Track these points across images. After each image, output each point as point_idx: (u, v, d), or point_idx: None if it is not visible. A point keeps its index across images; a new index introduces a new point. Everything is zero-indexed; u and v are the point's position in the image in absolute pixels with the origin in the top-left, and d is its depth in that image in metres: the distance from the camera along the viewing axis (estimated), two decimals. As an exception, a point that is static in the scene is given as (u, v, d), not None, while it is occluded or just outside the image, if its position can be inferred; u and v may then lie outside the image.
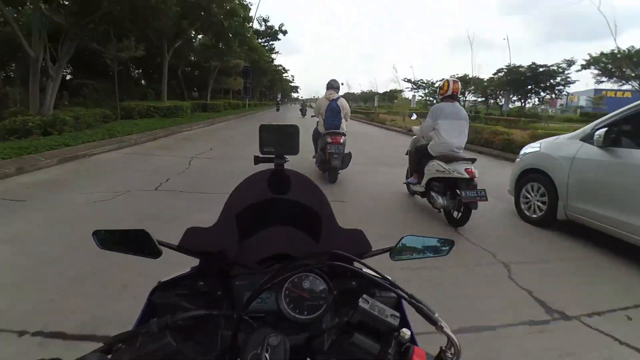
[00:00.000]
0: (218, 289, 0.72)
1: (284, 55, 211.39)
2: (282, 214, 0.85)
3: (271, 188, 0.85)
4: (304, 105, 32.12)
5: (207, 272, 0.75)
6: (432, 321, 0.52)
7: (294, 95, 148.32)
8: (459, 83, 4.19)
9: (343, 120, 5.84)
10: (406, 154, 5.04)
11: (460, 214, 3.76)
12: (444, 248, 0.83)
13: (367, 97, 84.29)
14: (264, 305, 0.70)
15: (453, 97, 4.16)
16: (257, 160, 0.86)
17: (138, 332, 0.49)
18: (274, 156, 0.83)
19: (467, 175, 3.60)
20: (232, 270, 0.75)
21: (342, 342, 0.51)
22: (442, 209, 4.05)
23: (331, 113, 5.74)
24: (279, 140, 0.81)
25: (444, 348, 0.49)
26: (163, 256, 0.73)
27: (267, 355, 0.51)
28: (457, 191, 3.59)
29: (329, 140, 5.47)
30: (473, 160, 3.82)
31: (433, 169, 3.99)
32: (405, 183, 4.94)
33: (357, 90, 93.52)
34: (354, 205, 4.60)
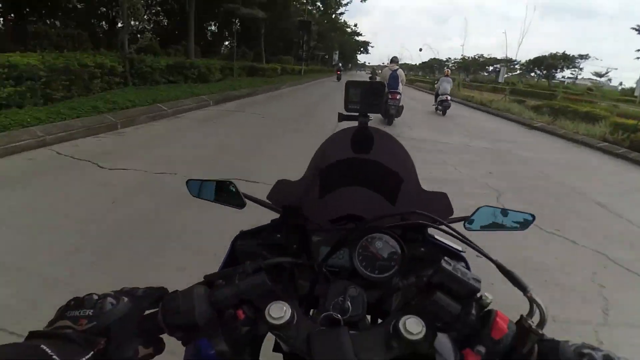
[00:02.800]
0: (294, 242, 0.76)
1: (352, 17, 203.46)
2: (361, 173, 0.85)
3: (354, 147, 0.84)
4: (374, 72, 29.51)
5: (285, 225, 0.78)
6: (522, 287, 0.49)
7: (361, 59, 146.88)
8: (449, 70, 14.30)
9: (400, 84, 8.70)
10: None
11: (441, 111, 11.77)
12: (524, 222, 0.79)
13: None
14: (338, 261, 0.74)
15: (447, 76, 12.62)
16: (341, 117, 0.86)
17: (236, 270, 0.53)
18: (357, 114, 0.81)
19: (446, 97, 11.62)
20: (308, 225, 0.78)
21: (421, 300, 0.50)
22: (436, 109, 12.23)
23: (392, 79, 8.63)
24: (364, 97, 0.79)
25: (525, 315, 0.46)
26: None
27: (349, 303, 0.55)
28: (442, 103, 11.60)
29: (389, 97, 8.39)
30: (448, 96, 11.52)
31: (438, 98, 12.13)
32: (433, 105, 12.86)
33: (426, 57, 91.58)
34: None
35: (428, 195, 0.82)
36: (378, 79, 12.97)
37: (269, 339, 0.58)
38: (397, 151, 0.85)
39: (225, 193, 0.82)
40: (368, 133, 0.82)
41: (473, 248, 0.59)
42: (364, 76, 35.84)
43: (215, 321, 0.49)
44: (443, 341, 0.55)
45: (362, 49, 77.83)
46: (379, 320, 0.73)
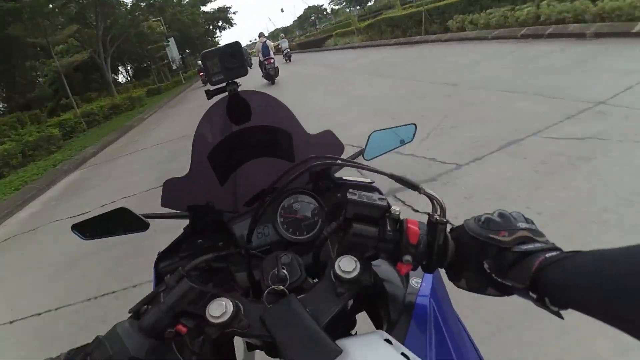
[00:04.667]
0: (218, 240, 0.73)
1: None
2: (251, 144, 0.82)
3: (232, 119, 0.79)
4: (246, 52, 30.69)
5: (201, 228, 0.74)
6: (415, 187, 0.53)
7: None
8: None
9: (271, 51, 11.27)
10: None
11: (270, 77, 11.55)
12: (409, 134, 0.84)
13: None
14: (266, 239, 0.73)
15: (263, 37, 12.11)
16: (210, 94, 0.79)
17: (157, 290, 0.50)
18: (225, 84, 0.75)
19: (267, 60, 11.19)
20: (225, 218, 0.75)
21: (345, 238, 0.52)
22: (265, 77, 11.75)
23: (264, 49, 11.24)
24: (225, 64, 0.73)
25: (430, 212, 0.50)
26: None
27: (284, 271, 0.55)
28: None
29: (266, 62, 11.19)
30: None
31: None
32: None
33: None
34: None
35: (315, 138, 0.82)
36: (254, 59, 14.83)
37: (240, 341, 0.56)
38: (275, 108, 0.82)
39: (122, 221, 0.74)
40: (241, 100, 0.78)
41: (366, 169, 0.61)
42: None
43: (157, 348, 0.45)
44: (384, 270, 0.58)
45: (220, 23, 51.10)
46: None
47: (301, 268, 0.57)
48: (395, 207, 0.51)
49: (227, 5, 54.38)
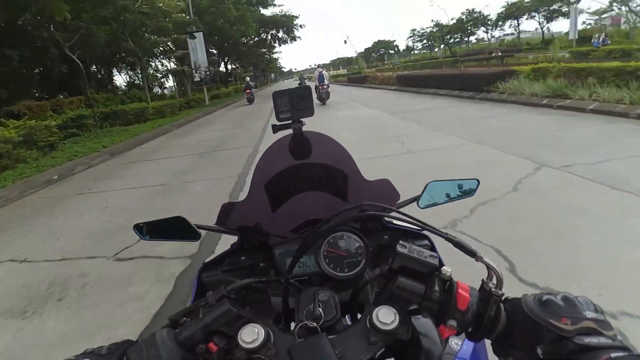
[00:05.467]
0: (260, 261, 0.76)
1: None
2: (308, 178, 0.85)
3: (293, 154, 0.84)
4: (302, 77, 28.39)
5: (247, 246, 0.79)
6: (471, 253, 0.53)
7: (286, 64, 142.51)
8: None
9: (325, 79, 14.80)
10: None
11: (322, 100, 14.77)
12: (470, 187, 0.86)
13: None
14: (306, 269, 0.75)
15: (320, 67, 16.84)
16: (276, 128, 0.84)
17: (198, 304, 0.52)
18: (291, 122, 0.81)
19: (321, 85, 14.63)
20: (269, 241, 0.78)
21: (387, 288, 0.51)
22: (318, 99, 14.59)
23: (320, 77, 14.78)
24: (293, 104, 0.79)
25: (485, 280, 0.49)
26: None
27: (320, 309, 0.54)
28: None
29: (320, 87, 14.41)
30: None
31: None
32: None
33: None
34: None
35: (372, 184, 0.85)
36: (307, 82, 19.29)
37: None
38: (335, 149, 0.86)
39: (177, 229, 0.79)
40: (304, 138, 0.83)
41: (419, 226, 0.61)
42: (292, 83, 34.02)
43: None
44: (424, 323, 0.56)
45: (281, 34, 39.84)
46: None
47: (337, 308, 0.56)
48: (447, 268, 0.49)
49: (294, 13, 40.04)
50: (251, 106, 19.18)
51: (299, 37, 40.59)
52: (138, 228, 0.81)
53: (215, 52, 33.13)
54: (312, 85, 14.63)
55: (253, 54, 41.33)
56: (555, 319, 0.40)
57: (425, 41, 56.09)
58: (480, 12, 44.49)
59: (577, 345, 0.38)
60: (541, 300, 0.43)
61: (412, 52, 64.83)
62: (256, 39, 38.92)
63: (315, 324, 0.52)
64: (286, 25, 38.44)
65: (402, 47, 77.85)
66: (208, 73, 22.82)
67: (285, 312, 0.67)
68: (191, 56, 21.18)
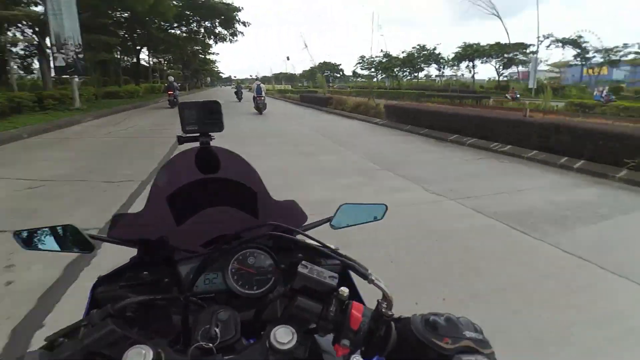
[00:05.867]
0: (164, 276, 0.71)
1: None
2: (216, 193, 0.84)
3: (200, 168, 0.82)
4: (239, 86, 25.99)
5: (148, 260, 0.73)
6: (364, 276, 0.56)
7: (224, 74, 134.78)
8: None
9: (263, 92, 15.65)
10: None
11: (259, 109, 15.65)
12: (379, 212, 0.90)
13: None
14: (212, 286, 0.72)
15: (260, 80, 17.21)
16: (181, 140, 0.80)
17: (79, 324, 0.48)
18: (198, 134, 0.79)
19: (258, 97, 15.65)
20: (175, 255, 0.74)
21: (288, 308, 0.53)
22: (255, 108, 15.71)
23: (258, 89, 15.57)
24: (201, 117, 0.78)
25: (380, 300, 0.52)
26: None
27: (216, 330, 0.53)
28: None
29: (257, 99, 15.50)
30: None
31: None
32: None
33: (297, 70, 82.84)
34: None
35: (280, 204, 0.87)
36: (246, 94, 21.57)
37: None
38: (244, 167, 0.86)
39: (67, 238, 0.71)
40: (212, 153, 0.81)
41: (316, 247, 0.65)
42: (230, 92, 29.50)
43: None
44: (325, 343, 0.57)
45: (218, 29, 31.26)
46: None
47: (237, 327, 0.55)
48: (344, 288, 0.51)
49: (239, 4, 33.33)
50: (164, 116, 14.45)
51: (241, 33, 30.66)
52: (20, 235, 0.70)
53: (126, 37, 26.17)
54: (247, 95, 19.75)
55: (182, 50, 33.81)
56: (438, 339, 0.44)
57: (372, 70, 53.94)
58: (433, 49, 43.38)
59: None
60: (427, 320, 0.46)
61: (358, 78, 62.72)
62: (184, 29, 30.91)
63: (210, 345, 0.51)
64: (224, 15, 28.43)
65: (347, 72, 76.06)
66: (79, 56, 13.58)
67: (185, 333, 0.62)
68: (50, 23, 12.72)
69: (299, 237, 0.70)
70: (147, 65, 37.01)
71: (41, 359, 0.43)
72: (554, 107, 15.57)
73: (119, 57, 30.62)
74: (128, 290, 0.69)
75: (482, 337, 0.44)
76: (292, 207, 0.87)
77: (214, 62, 70.20)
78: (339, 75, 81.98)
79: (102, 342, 0.45)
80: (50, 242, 0.71)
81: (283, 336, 0.48)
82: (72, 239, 0.70)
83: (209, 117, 0.77)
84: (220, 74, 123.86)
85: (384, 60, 49.81)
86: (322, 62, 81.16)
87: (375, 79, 55.38)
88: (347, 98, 17.87)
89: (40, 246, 0.71)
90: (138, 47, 29.64)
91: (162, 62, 41.86)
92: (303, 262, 0.55)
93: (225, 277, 0.69)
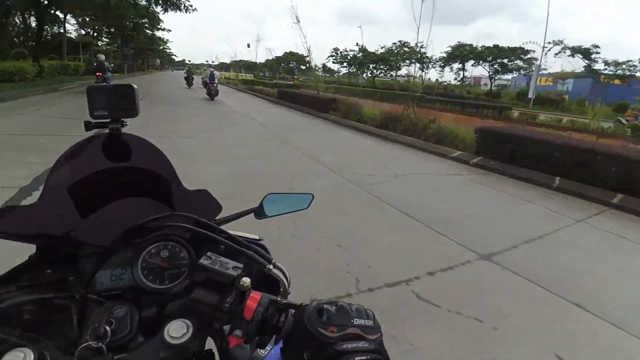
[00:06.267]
0: (69, 274, 0.66)
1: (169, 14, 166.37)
2: (128, 183, 0.78)
3: (108, 156, 0.75)
4: (190, 71, 24.28)
5: (51, 257, 0.68)
6: (262, 264, 0.58)
7: (177, 57, 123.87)
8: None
9: (216, 79, 16.22)
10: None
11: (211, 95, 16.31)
12: (304, 202, 0.90)
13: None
14: (119, 282, 0.68)
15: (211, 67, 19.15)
16: (89, 126, 0.74)
17: None
18: (108, 120, 0.73)
19: (211, 83, 16.27)
20: (80, 251, 0.70)
21: (184, 300, 0.52)
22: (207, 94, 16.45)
23: (211, 75, 16.08)
24: (113, 102, 0.72)
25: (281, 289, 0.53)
26: None
27: (107, 327, 0.50)
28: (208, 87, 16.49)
29: (210, 85, 16.08)
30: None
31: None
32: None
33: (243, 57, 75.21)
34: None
35: (193, 194, 0.82)
36: (197, 80, 22.27)
37: None
38: (156, 155, 0.81)
39: None
40: (122, 140, 0.76)
41: (222, 242, 0.63)
42: (175, 75, 29.30)
43: None
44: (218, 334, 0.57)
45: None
46: None
47: (132, 324, 0.53)
48: (246, 279, 0.51)
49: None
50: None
51: (192, 8, 23.19)
52: None
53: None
54: (198, 80, 22.09)
55: (118, 20, 25.72)
56: (324, 327, 0.45)
57: (345, 64, 48.94)
58: (418, 46, 39.56)
59: (335, 351, 0.43)
60: (318, 309, 0.47)
61: (336, 73, 57.52)
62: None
63: (100, 344, 0.48)
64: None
65: (315, 64, 70.61)
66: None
67: (79, 333, 0.58)
68: None
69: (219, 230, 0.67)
70: (72, 38, 28.94)
71: None
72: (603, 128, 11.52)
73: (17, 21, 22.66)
74: (26, 292, 0.62)
75: (370, 324, 0.46)
76: (204, 196, 0.83)
77: (164, 41, 61.04)
78: (304, 67, 76.38)
79: None
80: None
81: (177, 330, 0.47)
82: None
83: (121, 102, 0.72)
84: (173, 57, 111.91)
85: (359, 55, 45.10)
86: (287, 52, 74.88)
87: (346, 76, 50.74)
88: (356, 102, 12.46)
89: None
90: (52, 10, 21.63)
91: (92, 34, 33.14)
92: (208, 253, 0.54)
93: (134, 272, 0.66)
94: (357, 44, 48.09)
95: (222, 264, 0.52)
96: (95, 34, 31.74)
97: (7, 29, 20.74)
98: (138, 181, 0.78)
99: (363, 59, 42.81)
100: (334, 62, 51.21)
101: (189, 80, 21.80)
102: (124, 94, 0.72)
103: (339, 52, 48.09)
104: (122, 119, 0.74)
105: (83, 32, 32.56)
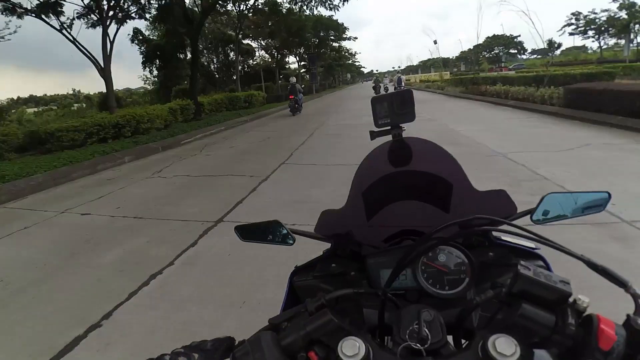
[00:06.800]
0: (351, 269, 0.74)
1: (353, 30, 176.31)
2: (407, 186, 0.81)
3: (392, 161, 0.80)
4: (378, 81, 24.52)
5: (339, 254, 0.77)
6: (621, 283, 0.46)
7: (366, 68, 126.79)
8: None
9: (403, 82, 22.37)
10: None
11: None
12: (598, 204, 0.71)
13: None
14: (402, 283, 0.70)
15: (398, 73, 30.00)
16: (373, 135, 0.81)
17: (298, 310, 0.53)
18: (390, 127, 0.78)
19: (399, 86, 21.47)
20: (362, 250, 0.76)
21: (507, 314, 0.46)
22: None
23: (398, 80, 22.47)
24: (392, 109, 0.76)
25: (632, 315, 0.42)
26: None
27: (426, 330, 0.51)
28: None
29: (399, 88, 15.60)
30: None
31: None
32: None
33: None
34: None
35: (484, 195, 0.76)
36: (382, 85, 24.04)
37: None
38: (440, 156, 0.79)
39: (274, 232, 0.81)
40: (404, 144, 0.78)
41: (548, 245, 0.52)
42: (363, 87, 27.93)
43: None
44: (542, 357, 0.48)
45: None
46: (463, 342, 0.65)
47: (443, 330, 0.52)
48: (584, 297, 0.43)
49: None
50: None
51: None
52: (239, 229, 0.84)
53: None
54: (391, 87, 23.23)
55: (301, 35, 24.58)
56: None
57: (593, 33, 33.27)
58: None
59: None
60: None
61: (557, 50, 41.90)
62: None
63: (419, 346, 0.49)
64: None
65: (534, 45, 54.55)
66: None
67: (381, 327, 0.63)
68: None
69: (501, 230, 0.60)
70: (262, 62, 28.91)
71: (273, 340, 0.48)
72: None
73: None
74: (319, 281, 0.74)
75: None
76: (497, 198, 0.75)
77: (352, 54, 59.96)
78: (515, 51, 60.85)
79: (321, 330, 0.49)
80: (261, 235, 0.83)
81: (505, 347, 0.42)
82: (278, 232, 0.80)
83: (400, 107, 0.75)
84: (362, 69, 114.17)
85: (619, 15, 29.43)
86: (490, 36, 61.59)
87: (590, 49, 34.87)
88: None
89: (252, 239, 0.84)
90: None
91: (277, 56, 32.43)
92: (522, 262, 0.47)
93: (416, 274, 0.66)
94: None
95: (546, 276, 0.44)
96: (279, 56, 31.07)
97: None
98: (415, 184, 0.80)
99: (631, 19, 27.29)
100: (571, 34, 36.09)
101: (376, 90, 21.90)
102: (402, 99, 0.74)
103: (581, 17, 33.18)
104: (401, 124, 0.76)
105: (267, 56, 32.86)
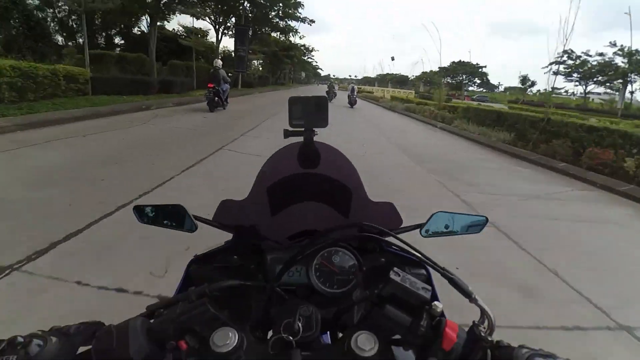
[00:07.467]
0: (251, 263, 0.75)
1: (311, 34, 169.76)
2: (311, 188, 0.84)
3: (300, 162, 0.83)
4: (332, 85, 24.25)
5: (240, 246, 0.77)
6: (466, 294, 0.52)
7: (323, 71, 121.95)
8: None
9: (355, 91, 20.54)
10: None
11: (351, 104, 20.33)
12: (477, 225, 0.82)
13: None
14: (294, 279, 0.72)
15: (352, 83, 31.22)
16: (287, 133, 0.82)
17: (178, 299, 0.52)
18: (303, 129, 0.79)
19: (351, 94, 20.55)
20: (263, 244, 0.77)
21: (373, 314, 0.51)
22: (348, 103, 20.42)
23: (351, 90, 20.50)
24: (308, 112, 0.78)
25: (476, 322, 0.48)
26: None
27: (299, 324, 0.53)
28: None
29: (351, 95, 20.23)
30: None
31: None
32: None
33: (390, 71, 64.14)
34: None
35: (376, 206, 0.84)
36: (336, 88, 24.90)
37: None
38: (344, 164, 0.85)
39: (175, 217, 0.79)
40: (314, 148, 0.81)
41: (416, 256, 0.61)
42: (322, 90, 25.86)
43: (155, 355, 0.46)
44: (402, 355, 0.54)
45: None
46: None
47: (317, 325, 0.55)
48: (438, 303, 0.48)
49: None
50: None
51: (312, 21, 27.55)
52: (137, 210, 0.80)
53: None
54: (345, 94, 22.39)
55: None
56: None
57: (575, 76, 29.62)
58: None
59: None
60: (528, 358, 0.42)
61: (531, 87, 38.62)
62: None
63: (291, 338, 0.51)
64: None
65: (508, 82, 52.39)
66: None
67: (264, 321, 0.64)
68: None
69: (393, 241, 0.68)
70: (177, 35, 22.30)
71: (141, 326, 0.47)
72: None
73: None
74: (217, 272, 0.73)
75: None
76: (387, 209, 0.84)
77: (309, 49, 52.63)
78: (480, 81, 58.64)
79: (195, 319, 0.48)
80: (161, 219, 0.79)
81: (365, 343, 0.47)
82: (180, 217, 0.77)
83: (315, 112, 0.77)
84: (319, 70, 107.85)
85: (617, 62, 25.37)
86: (454, 61, 58.20)
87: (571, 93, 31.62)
88: None
89: (152, 222, 0.80)
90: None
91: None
92: (395, 268, 0.52)
93: (309, 272, 0.69)
94: (610, 43, 27.42)
95: (411, 282, 0.50)
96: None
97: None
98: (322, 187, 0.83)
99: (631, 66, 23.50)
100: (554, 73, 32.42)
101: (329, 95, 20.82)
102: (318, 105, 0.77)
103: (573, 57, 29.17)
104: (314, 129, 0.78)
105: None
